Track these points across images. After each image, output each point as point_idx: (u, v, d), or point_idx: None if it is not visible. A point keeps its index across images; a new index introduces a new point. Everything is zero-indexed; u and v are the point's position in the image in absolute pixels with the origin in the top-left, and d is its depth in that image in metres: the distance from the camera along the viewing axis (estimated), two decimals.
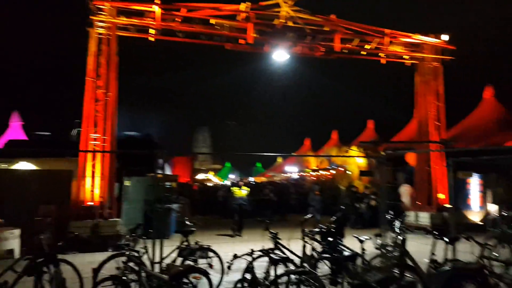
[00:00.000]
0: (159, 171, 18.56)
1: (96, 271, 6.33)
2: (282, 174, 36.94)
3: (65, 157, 14.21)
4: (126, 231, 12.54)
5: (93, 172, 12.52)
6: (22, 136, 26.17)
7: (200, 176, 48.99)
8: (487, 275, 6.30)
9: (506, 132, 20.78)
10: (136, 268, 6.13)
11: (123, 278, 5.98)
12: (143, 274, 5.93)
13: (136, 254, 6.56)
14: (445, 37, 16.57)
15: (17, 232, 11.10)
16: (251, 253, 6.24)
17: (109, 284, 6.05)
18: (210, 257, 7.74)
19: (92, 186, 12.44)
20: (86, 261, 8.60)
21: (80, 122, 19.48)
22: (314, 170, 27.23)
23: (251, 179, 44.19)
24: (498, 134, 21.24)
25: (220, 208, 21.81)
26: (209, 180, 47.74)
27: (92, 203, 12.36)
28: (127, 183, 13.02)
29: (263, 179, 41.83)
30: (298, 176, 31.29)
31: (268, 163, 51.80)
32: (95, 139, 12.72)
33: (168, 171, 27.54)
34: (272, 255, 6.45)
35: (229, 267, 6.26)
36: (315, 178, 27.77)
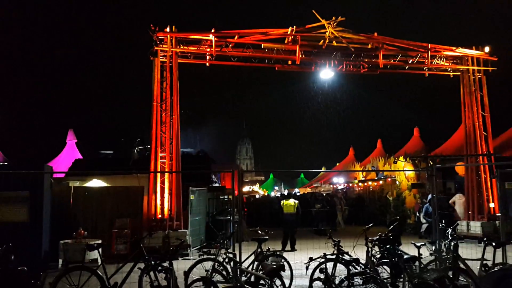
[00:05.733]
0: (216, 185, 19.85)
1: (187, 274, 7.44)
2: (327, 185, 37.37)
3: (132, 174, 15.56)
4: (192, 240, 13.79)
5: (162, 188, 13.80)
6: (76, 153, 27.93)
7: (245, 188, 50.16)
8: None
9: None
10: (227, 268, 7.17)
11: (212, 279, 7.04)
12: (237, 272, 6.79)
13: (220, 259, 7.67)
14: (487, 49, 16.86)
15: (98, 242, 12.45)
16: (324, 256, 7.22)
17: (199, 285, 7.11)
18: (281, 262, 8.70)
19: (161, 201, 13.72)
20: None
21: (141, 141, 21.07)
22: (361, 181, 27.45)
23: (296, 190, 44.91)
24: None
25: (274, 220, 22.20)
26: (255, 192, 48.80)
27: (161, 216, 13.66)
28: (191, 197, 14.20)
29: (308, 190, 42.39)
30: (345, 187, 31.70)
31: (311, 174, 52.15)
32: (161, 158, 14.01)
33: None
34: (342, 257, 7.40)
35: (306, 267, 7.22)
36: (362, 189, 28.13)
